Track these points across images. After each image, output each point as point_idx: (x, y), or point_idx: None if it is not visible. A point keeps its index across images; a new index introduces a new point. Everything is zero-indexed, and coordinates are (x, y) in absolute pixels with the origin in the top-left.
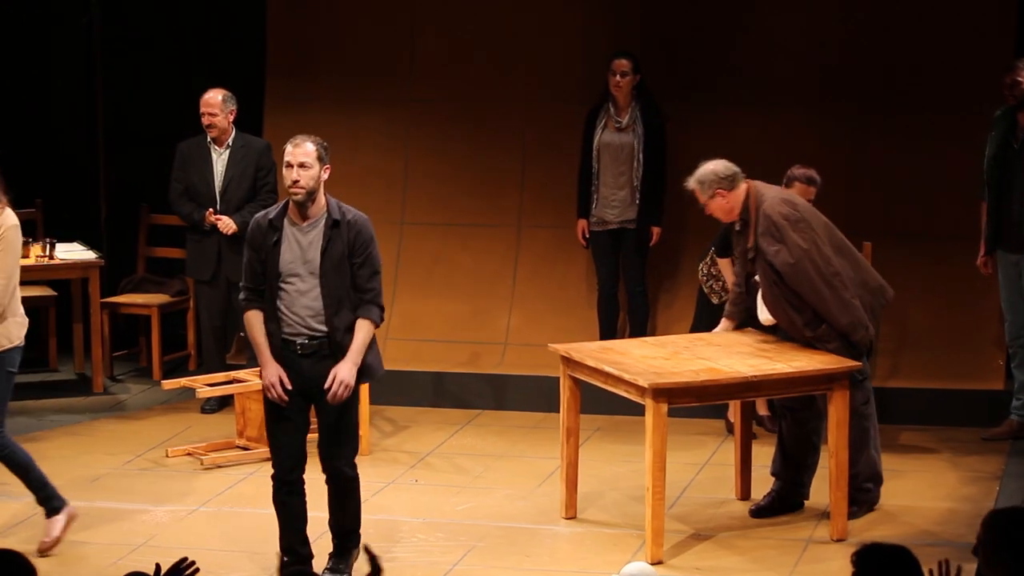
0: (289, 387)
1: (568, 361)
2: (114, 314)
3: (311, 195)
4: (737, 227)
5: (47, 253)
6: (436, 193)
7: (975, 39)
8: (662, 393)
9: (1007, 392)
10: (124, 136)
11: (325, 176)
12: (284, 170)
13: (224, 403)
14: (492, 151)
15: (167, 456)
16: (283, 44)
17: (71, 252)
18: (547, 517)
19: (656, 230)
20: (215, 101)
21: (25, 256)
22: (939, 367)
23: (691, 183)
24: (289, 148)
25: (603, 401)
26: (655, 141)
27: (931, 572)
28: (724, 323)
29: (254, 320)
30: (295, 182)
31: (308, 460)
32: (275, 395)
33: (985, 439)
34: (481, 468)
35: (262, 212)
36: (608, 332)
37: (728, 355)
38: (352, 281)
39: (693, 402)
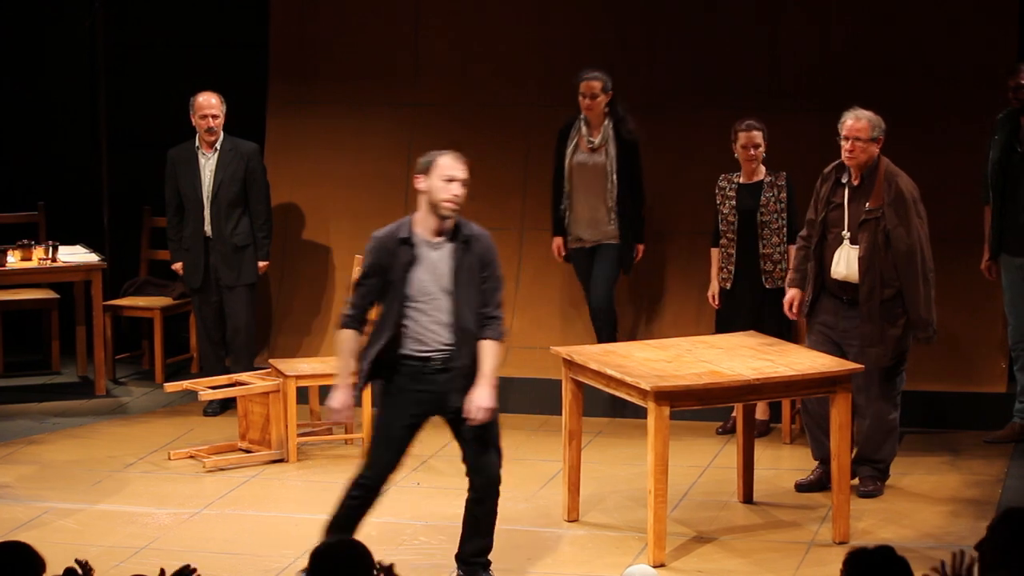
0: (349, 420)
1: (570, 364)
2: (116, 317)
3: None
4: (856, 181)
5: (50, 256)
6: None
7: (979, 42)
8: (664, 396)
9: (1010, 395)
10: (127, 139)
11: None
12: (442, 182)
13: (226, 406)
14: (495, 155)
15: (169, 459)
16: (286, 47)
17: (73, 255)
18: (549, 520)
19: (640, 247)
20: (216, 103)
21: (28, 259)
22: (942, 370)
23: (862, 118)
24: (448, 161)
25: (605, 404)
26: (629, 160)
27: (943, 564)
28: (796, 293)
29: (345, 340)
30: (456, 197)
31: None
32: (341, 418)
33: (988, 442)
34: None
35: (384, 231)
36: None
37: (730, 358)
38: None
39: (695, 405)
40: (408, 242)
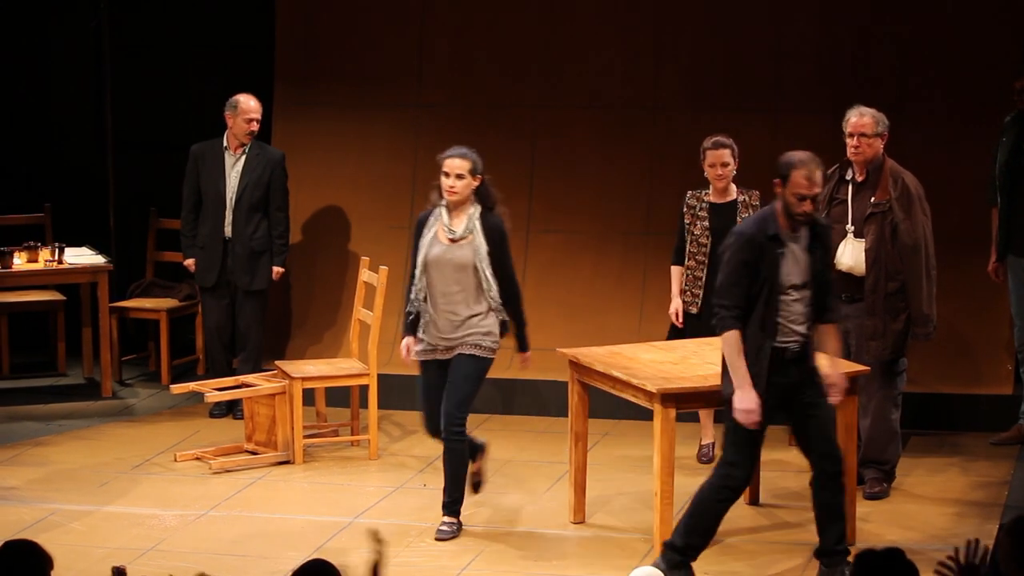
0: (760, 418)
1: (576, 366)
2: (123, 318)
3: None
4: (859, 178)
5: (56, 258)
6: None
7: (986, 44)
8: (670, 398)
9: (1016, 397)
10: (133, 141)
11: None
12: (800, 190)
13: (232, 407)
14: (501, 157)
15: (176, 460)
16: (292, 49)
17: (80, 257)
18: (555, 521)
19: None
20: (257, 106)
21: (34, 260)
22: (948, 372)
23: (865, 115)
24: (799, 178)
25: (611, 406)
26: (499, 250)
27: (956, 551)
28: None
29: (734, 341)
30: (806, 212)
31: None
32: (751, 421)
33: (994, 444)
34: (489, 472)
35: (752, 228)
36: None
37: None
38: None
39: (701, 407)
40: (776, 238)
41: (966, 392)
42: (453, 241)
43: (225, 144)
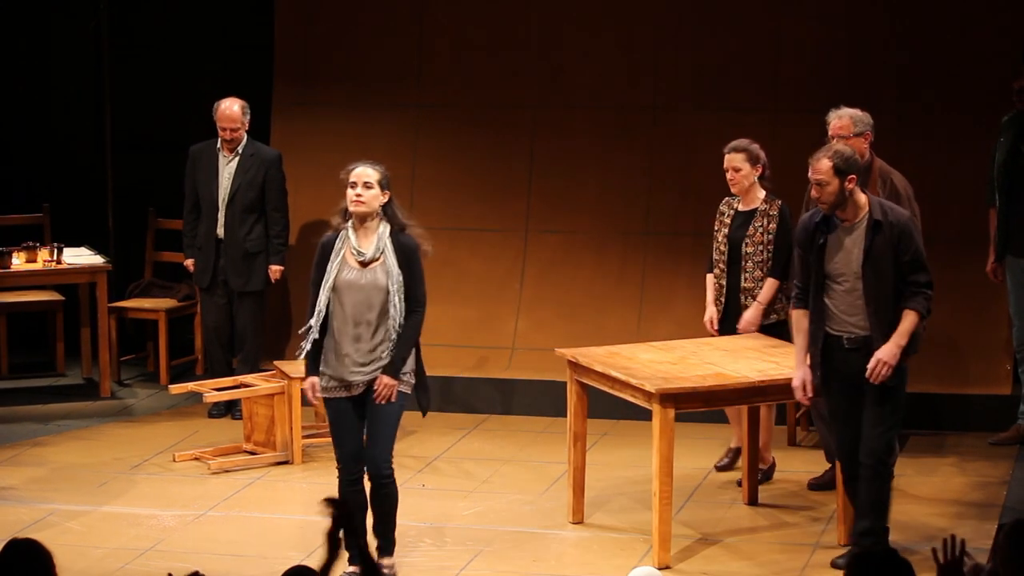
0: (810, 394)
1: (575, 366)
2: (121, 319)
3: (836, 204)
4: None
5: (55, 258)
6: (444, 198)
7: (984, 44)
8: (669, 398)
9: (1015, 397)
10: (132, 141)
11: (850, 186)
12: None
13: (231, 408)
14: (500, 156)
15: (174, 460)
16: (291, 49)
17: (78, 257)
18: (554, 521)
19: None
20: (235, 115)
21: (33, 261)
22: (947, 372)
23: (843, 116)
24: (810, 163)
25: (610, 406)
26: (409, 273)
27: (934, 552)
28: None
29: (797, 319)
30: (817, 198)
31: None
32: (800, 396)
33: (993, 444)
34: (488, 472)
35: (807, 213)
36: None
37: (735, 360)
38: (899, 277)
39: (700, 407)
40: (820, 227)
41: (964, 392)
42: (364, 264)
43: (219, 146)
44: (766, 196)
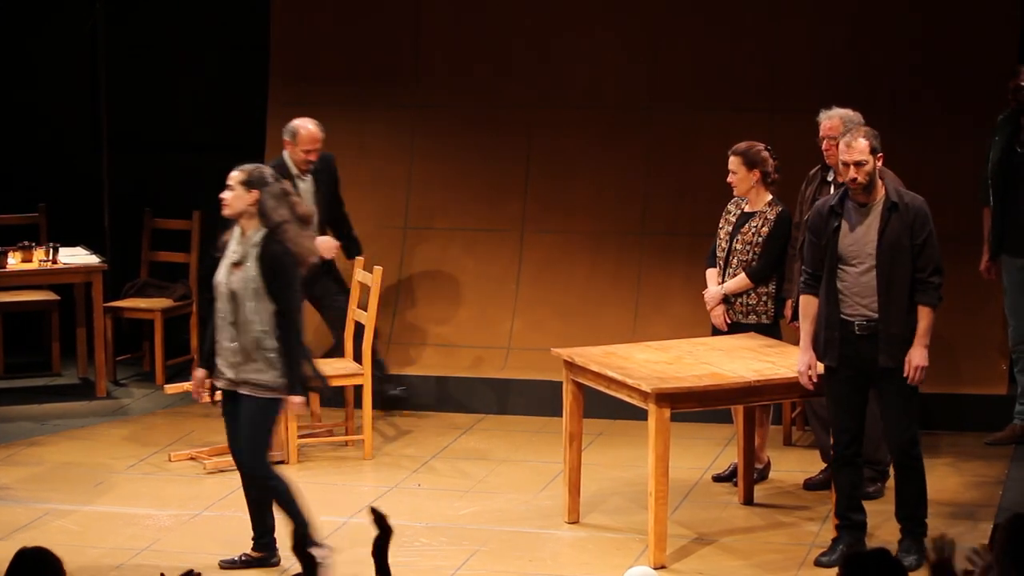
0: (815, 379)
1: (571, 366)
2: (117, 318)
3: (867, 186)
4: (840, 179)
5: (50, 258)
6: (440, 198)
7: (979, 43)
8: (665, 398)
9: (1010, 397)
10: (128, 141)
11: (880, 165)
12: (841, 167)
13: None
14: (496, 156)
15: (170, 460)
16: (287, 48)
17: (74, 256)
18: (550, 521)
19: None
20: (320, 135)
21: (28, 260)
22: (942, 372)
23: (833, 117)
24: (842, 147)
25: (606, 405)
26: (273, 283)
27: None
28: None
29: (803, 304)
30: (853, 180)
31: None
32: (805, 381)
33: (988, 444)
34: (484, 472)
35: (822, 200)
36: None
37: (731, 359)
38: (913, 263)
39: (696, 407)
40: (835, 211)
41: (960, 392)
42: (236, 266)
43: (292, 168)
44: (770, 200)
